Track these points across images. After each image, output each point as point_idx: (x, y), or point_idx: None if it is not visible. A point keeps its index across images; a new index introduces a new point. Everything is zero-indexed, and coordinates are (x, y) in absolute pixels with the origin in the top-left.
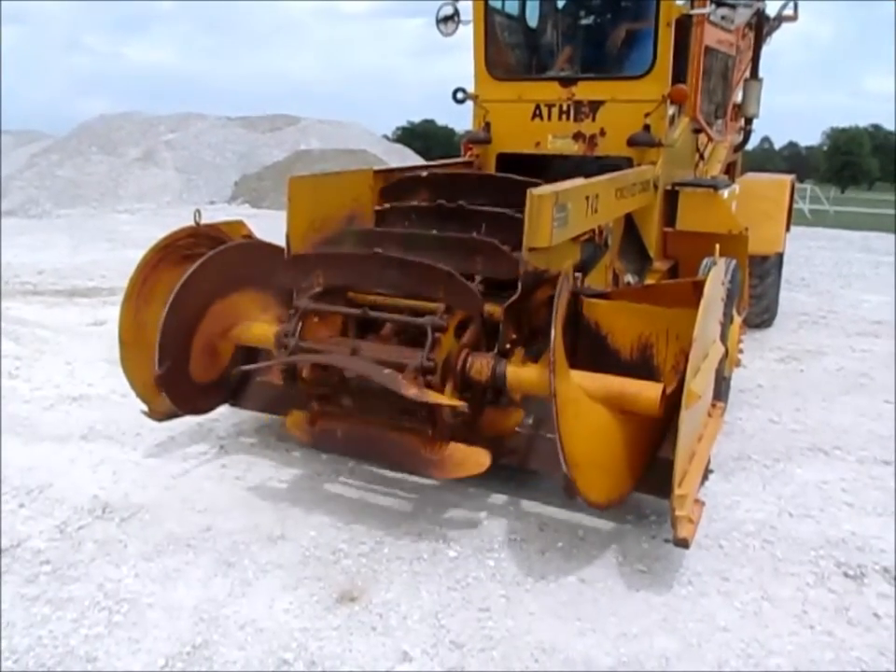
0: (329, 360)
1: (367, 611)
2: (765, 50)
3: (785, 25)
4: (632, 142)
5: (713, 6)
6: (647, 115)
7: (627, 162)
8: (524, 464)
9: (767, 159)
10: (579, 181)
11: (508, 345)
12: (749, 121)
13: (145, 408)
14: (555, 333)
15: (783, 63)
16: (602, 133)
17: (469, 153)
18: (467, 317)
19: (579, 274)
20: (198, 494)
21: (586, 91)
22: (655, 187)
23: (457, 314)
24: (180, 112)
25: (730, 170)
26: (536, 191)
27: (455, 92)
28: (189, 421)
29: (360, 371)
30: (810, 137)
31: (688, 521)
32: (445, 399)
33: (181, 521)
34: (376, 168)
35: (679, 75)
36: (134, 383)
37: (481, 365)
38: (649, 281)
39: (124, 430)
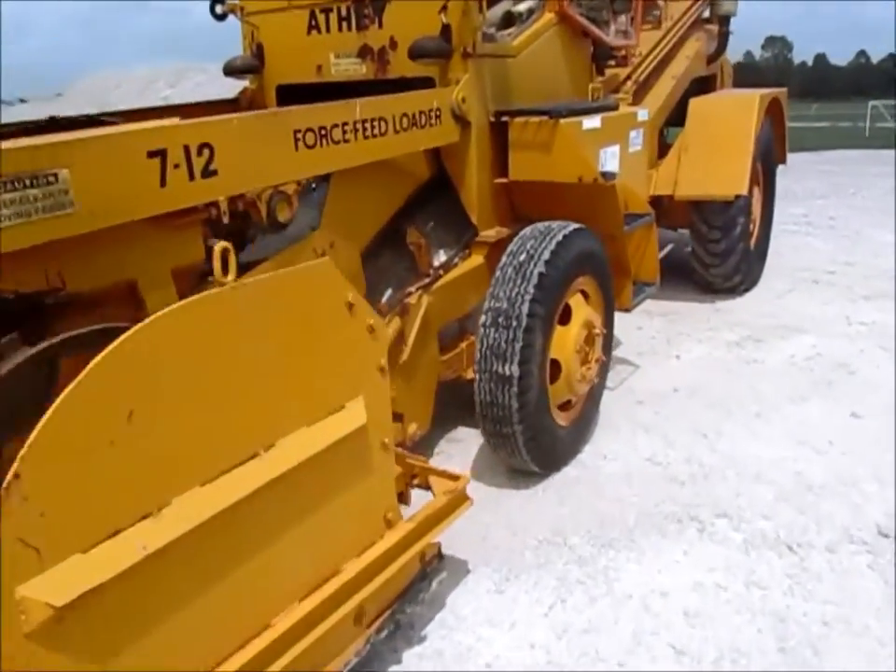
0: None
1: None
2: None
3: None
4: (415, 52)
5: None
6: (442, 10)
7: (430, 84)
8: None
9: (863, 73)
10: (132, 126)
11: None
12: (724, 22)
13: None
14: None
15: None
16: (393, 44)
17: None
18: None
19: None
20: None
21: None
22: (461, 119)
23: None
24: (179, 65)
25: (707, 86)
26: None
27: (212, 6)
28: None
29: None
30: None
31: None
32: None
33: None
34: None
35: None
36: None
37: None
38: (475, 257)
39: None
